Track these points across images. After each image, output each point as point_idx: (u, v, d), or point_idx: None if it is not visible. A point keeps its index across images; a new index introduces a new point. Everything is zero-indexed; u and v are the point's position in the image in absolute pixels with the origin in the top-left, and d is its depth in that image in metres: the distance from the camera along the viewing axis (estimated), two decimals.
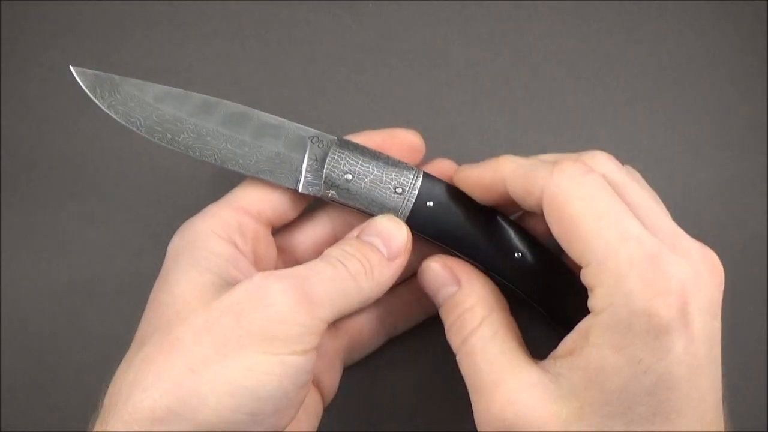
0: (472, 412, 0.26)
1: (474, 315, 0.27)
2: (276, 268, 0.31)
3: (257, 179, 0.29)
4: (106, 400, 0.24)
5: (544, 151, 0.37)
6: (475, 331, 0.27)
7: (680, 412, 0.23)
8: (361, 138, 0.30)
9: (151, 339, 0.25)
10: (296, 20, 0.39)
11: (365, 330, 0.32)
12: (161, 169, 0.36)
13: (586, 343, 0.24)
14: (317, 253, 0.30)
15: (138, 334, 0.26)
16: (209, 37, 0.38)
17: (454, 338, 0.28)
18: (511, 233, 0.29)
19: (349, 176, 0.28)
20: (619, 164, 0.27)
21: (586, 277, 0.24)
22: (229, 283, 0.26)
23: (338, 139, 0.29)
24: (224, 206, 0.29)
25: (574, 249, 0.25)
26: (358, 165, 0.28)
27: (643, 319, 0.23)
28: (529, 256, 0.29)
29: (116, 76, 0.28)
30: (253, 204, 0.29)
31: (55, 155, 0.36)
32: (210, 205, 0.29)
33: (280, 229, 0.31)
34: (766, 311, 0.34)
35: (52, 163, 0.36)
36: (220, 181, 0.36)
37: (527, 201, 0.26)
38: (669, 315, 0.23)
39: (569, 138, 0.37)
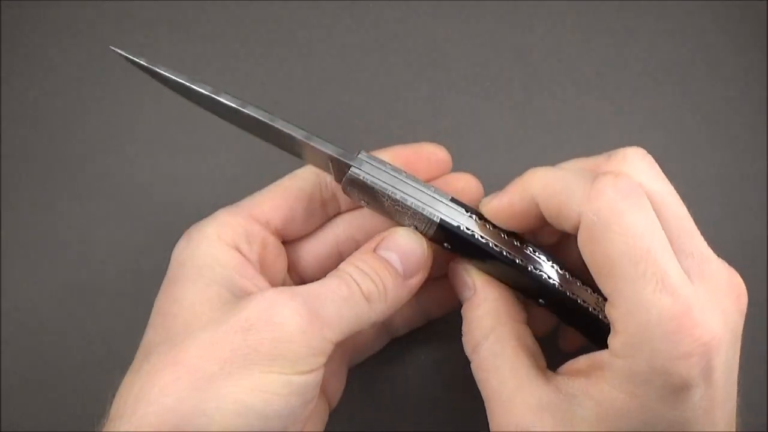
0: (473, 412, 0.26)
1: (483, 325, 0.27)
2: (285, 280, 0.30)
3: (272, 190, 0.29)
4: (113, 410, 0.24)
5: (544, 150, 0.37)
6: (482, 342, 0.27)
7: None
8: (388, 154, 0.29)
9: (158, 350, 0.24)
10: (296, 20, 0.39)
11: (369, 333, 0.32)
12: (162, 169, 0.36)
13: (602, 377, 0.23)
14: (321, 268, 0.30)
15: (144, 342, 0.26)
16: (209, 37, 0.38)
17: (466, 344, 0.27)
18: (534, 284, 0.27)
19: (363, 203, 0.27)
20: (655, 165, 0.26)
21: (611, 313, 0.23)
22: (235, 294, 0.26)
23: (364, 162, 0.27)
24: (234, 213, 0.28)
25: (604, 285, 0.23)
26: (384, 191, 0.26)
27: (664, 377, 0.22)
28: (552, 305, 0.28)
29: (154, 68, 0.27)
30: (264, 213, 0.28)
31: (55, 155, 0.36)
32: (219, 211, 0.29)
33: (286, 242, 0.31)
34: (766, 311, 0.34)
35: (52, 163, 0.36)
36: (221, 181, 0.36)
37: (562, 225, 0.25)
38: (691, 375, 0.22)
39: (569, 138, 0.37)
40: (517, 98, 0.37)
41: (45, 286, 0.35)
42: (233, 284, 0.26)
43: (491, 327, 0.27)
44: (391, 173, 0.26)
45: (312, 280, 0.27)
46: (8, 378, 0.34)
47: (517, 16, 0.39)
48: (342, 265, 0.26)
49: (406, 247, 0.27)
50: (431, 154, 0.30)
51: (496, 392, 0.25)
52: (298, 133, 0.26)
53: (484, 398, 0.26)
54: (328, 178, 0.29)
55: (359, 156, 0.26)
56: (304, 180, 0.29)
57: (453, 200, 0.27)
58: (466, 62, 0.38)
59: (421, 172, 0.28)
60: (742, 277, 0.35)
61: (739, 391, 0.25)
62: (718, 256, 0.25)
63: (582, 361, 0.25)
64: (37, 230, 0.35)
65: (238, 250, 0.27)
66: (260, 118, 0.26)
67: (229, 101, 0.26)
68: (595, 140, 0.37)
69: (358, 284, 0.25)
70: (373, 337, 0.32)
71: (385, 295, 0.26)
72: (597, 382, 0.24)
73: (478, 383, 0.27)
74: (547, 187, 0.25)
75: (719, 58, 0.38)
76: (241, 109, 0.26)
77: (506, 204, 0.27)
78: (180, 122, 0.37)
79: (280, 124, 0.26)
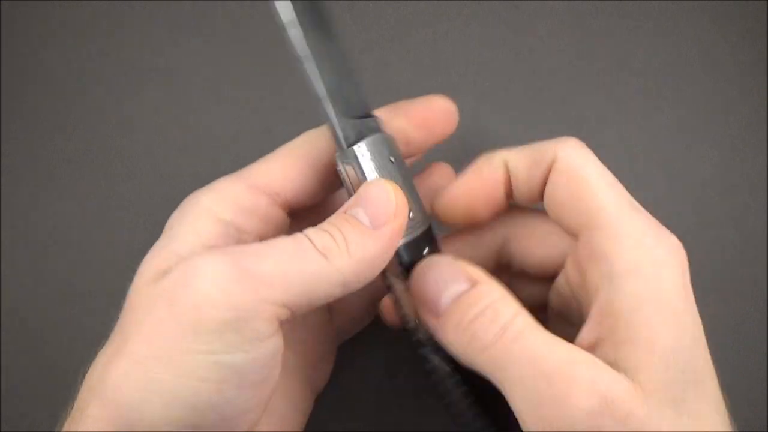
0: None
1: (507, 305, 0.23)
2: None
3: (283, 154, 0.25)
4: (77, 402, 0.22)
5: None
6: (514, 319, 0.22)
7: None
8: (400, 118, 0.27)
9: (114, 337, 0.22)
10: None
11: (354, 302, 0.28)
12: (162, 169, 0.36)
13: (622, 323, 0.22)
14: None
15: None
16: (209, 37, 0.38)
17: (476, 341, 0.23)
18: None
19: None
20: (592, 153, 0.27)
21: (594, 241, 0.23)
22: None
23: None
24: (235, 181, 0.25)
25: (583, 210, 0.24)
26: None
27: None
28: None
29: None
30: (271, 183, 0.25)
31: (55, 155, 0.36)
32: (221, 178, 0.25)
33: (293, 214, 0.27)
34: (766, 311, 0.34)
35: (52, 163, 0.36)
36: None
37: (533, 178, 0.25)
38: (676, 261, 0.23)
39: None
40: (517, 98, 0.37)
41: (45, 286, 0.35)
42: None
43: (516, 309, 0.23)
44: (387, 171, 0.25)
45: None
46: (8, 378, 0.34)
47: (518, 16, 0.39)
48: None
49: (372, 197, 0.23)
50: (442, 110, 0.28)
51: (548, 360, 0.21)
52: (318, 87, 0.23)
53: (513, 382, 0.22)
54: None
55: (358, 146, 0.24)
56: (320, 143, 0.26)
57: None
58: (466, 62, 0.38)
59: (436, 128, 0.27)
60: (743, 277, 0.35)
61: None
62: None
63: (589, 333, 0.23)
64: (37, 230, 0.35)
65: (233, 225, 0.24)
66: (297, 51, 0.23)
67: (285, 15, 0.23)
68: (594, 140, 0.37)
69: (310, 239, 0.22)
70: (361, 307, 0.29)
71: (346, 248, 0.22)
72: (627, 334, 0.22)
73: (501, 369, 0.22)
74: (518, 150, 0.26)
75: (719, 58, 0.38)
76: (288, 30, 0.23)
77: (464, 189, 0.26)
78: (180, 122, 0.37)
79: (308, 67, 0.23)
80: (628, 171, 0.36)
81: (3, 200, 0.36)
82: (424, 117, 0.27)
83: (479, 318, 0.23)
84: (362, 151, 0.24)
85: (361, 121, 0.25)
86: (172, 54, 0.38)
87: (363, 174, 0.24)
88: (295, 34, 0.23)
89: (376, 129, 0.25)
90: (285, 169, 0.25)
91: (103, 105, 0.37)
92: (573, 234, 0.25)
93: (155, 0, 0.39)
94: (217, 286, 0.20)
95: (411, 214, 0.25)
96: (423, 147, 0.28)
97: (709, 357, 0.23)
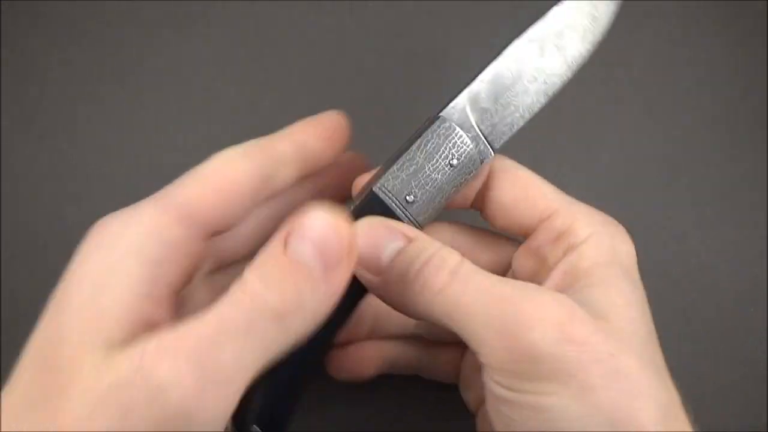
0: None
1: (451, 253, 0.23)
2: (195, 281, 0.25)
3: (203, 180, 0.24)
4: None
5: (544, 152, 0.37)
6: (462, 264, 0.23)
7: None
8: (291, 142, 0.26)
9: (35, 405, 0.20)
10: (296, 20, 0.39)
11: None
12: (162, 169, 0.36)
13: (584, 273, 0.24)
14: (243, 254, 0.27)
15: (24, 362, 0.22)
16: (209, 37, 0.38)
17: (428, 287, 0.23)
18: None
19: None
20: None
21: (557, 224, 0.25)
22: (135, 332, 0.20)
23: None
24: (162, 211, 0.23)
25: (538, 203, 0.26)
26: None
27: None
28: None
29: None
30: (199, 212, 0.23)
31: (55, 156, 0.36)
32: (143, 203, 0.23)
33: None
34: (766, 311, 0.34)
35: (52, 163, 0.36)
36: None
37: (469, 188, 0.27)
38: (626, 236, 0.25)
39: (569, 138, 0.37)
40: None
41: (45, 286, 0.35)
42: (139, 314, 0.21)
43: (460, 257, 0.23)
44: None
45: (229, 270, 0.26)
46: (8, 378, 0.34)
47: (518, 16, 0.39)
48: (244, 274, 0.20)
49: (321, 234, 0.20)
50: (337, 123, 0.28)
51: (502, 300, 0.21)
52: None
53: (471, 327, 0.22)
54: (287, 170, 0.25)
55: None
56: (240, 166, 0.24)
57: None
58: (466, 62, 0.38)
59: (335, 141, 0.27)
60: (743, 277, 0.35)
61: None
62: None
63: (558, 281, 0.25)
64: (37, 230, 0.35)
65: (161, 266, 0.22)
66: None
67: None
68: (594, 140, 0.37)
69: (265, 300, 0.20)
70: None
71: (303, 306, 0.20)
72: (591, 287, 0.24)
73: (453, 315, 0.22)
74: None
75: (719, 58, 0.38)
76: None
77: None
78: (180, 122, 0.37)
79: None
80: (628, 171, 0.36)
81: (3, 199, 0.36)
82: (324, 129, 0.27)
83: (427, 266, 0.23)
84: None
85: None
86: (172, 54, 0.38)
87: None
88: None
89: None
90: (214, 196, 0.23)
91: (103, 105, 0.37)
92: (523, 232, 0.27)
93: (156, 0, 0.39)
94: (184, 399, 0.18)
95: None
96: (325, 159, 0.27)
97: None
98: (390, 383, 0.32)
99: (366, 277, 0.24)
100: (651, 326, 0.24)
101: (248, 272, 0.20)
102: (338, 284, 0.21)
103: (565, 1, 0.27)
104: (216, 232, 0.24)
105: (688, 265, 0.35)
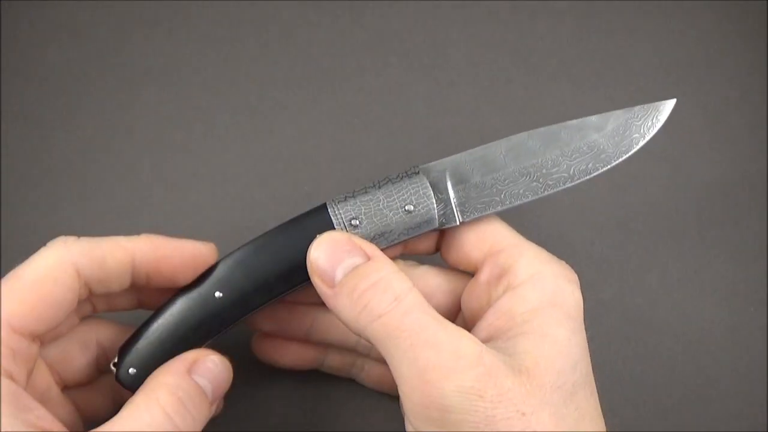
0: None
1: (400, 279, 0.24)
2: (52, 391, 0.26)
3: (27, 291, 0.25)
4: None
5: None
6: (408, 294, 0.24)
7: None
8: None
9: None
10: (296, 20, 0.39)
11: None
12: (161, 170, 0.36)
13: (517, 320, 0.24)
14: (90, 367, 0.27)
15: None
16: (209, 37, 0.38)
17: (368, 310, 0.23)
18: None
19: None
20: None
21: (501, 260, 0.26)
22: None
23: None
24: None
25: (488, 240, 0.27)
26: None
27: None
28: None
29: None
30: (28, 323, 0.24)
31: (55, 155, 0.36)
32: None
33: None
34: (766, 311, 0.34)
35: (52, 163, 0.36)
36: (221, 181, 0.36)
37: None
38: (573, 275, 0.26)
39: None
40: (517, 98, 0.37)
41: None
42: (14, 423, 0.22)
43: (408, 287, 0.24)
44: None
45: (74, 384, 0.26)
46: None
47: (518, 16, 0.39)
48: (158, 391, 0.24)
49: (219, 375, 0.25)
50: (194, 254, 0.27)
51: (437, 337, 0.23)
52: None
53: (401, 355, 0.23)
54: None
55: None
56: (63, 275, 0.25)
57: None
58: (466, 62, 0.38)
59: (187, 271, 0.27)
60: (741, 276, 0.35)
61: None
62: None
63: (493, 322, 0.25)
64: (37, 230, 0.35)
65: (10, 377, 0.23)
66: None
67: None
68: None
69: (180, 418, 0.23)
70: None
71: (194, 425, 0.24)
72: (524, 334, 0.24)
73: (389, 341, 0.23)
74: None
75: (719, 58, 0.38)
76: None
77: None
78: (180, 122, 0.37)
79: None
80: (627, 171, 0.36)
81: (3, 200, 0.36)
82: (182, 257, 0.27)
83: (372, 288, 0.24)
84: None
85: None
86: (172, 54, 0.38)
87: None
88: None
89: None
90: (39, 307, 0.24)
91: (103, 105, 0.37)
92: (473, 268, 0.27)
93: (156, 0, 0.39)
94: None
95: None
96: (170, 281, 0.27)
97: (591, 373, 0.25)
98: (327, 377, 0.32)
99: (321, 289, 0.25)
100: (583, 374, 0.24)
101: (159, 390, 0.24)
102: (212, 413, 0.25)
103: (608, 125, 0.27)
104: (46, 335, 0.25)
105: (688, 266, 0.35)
